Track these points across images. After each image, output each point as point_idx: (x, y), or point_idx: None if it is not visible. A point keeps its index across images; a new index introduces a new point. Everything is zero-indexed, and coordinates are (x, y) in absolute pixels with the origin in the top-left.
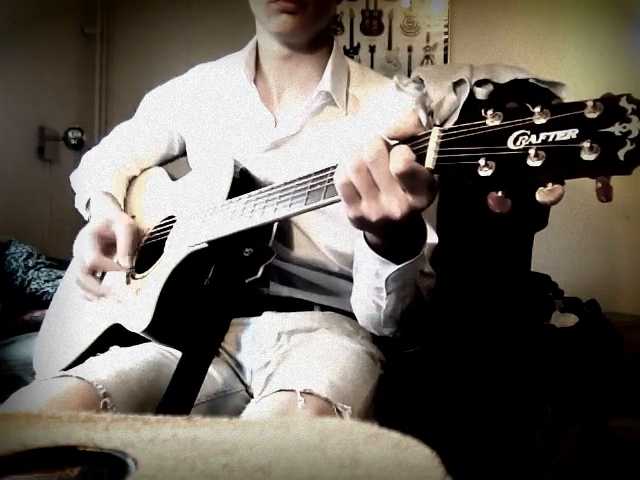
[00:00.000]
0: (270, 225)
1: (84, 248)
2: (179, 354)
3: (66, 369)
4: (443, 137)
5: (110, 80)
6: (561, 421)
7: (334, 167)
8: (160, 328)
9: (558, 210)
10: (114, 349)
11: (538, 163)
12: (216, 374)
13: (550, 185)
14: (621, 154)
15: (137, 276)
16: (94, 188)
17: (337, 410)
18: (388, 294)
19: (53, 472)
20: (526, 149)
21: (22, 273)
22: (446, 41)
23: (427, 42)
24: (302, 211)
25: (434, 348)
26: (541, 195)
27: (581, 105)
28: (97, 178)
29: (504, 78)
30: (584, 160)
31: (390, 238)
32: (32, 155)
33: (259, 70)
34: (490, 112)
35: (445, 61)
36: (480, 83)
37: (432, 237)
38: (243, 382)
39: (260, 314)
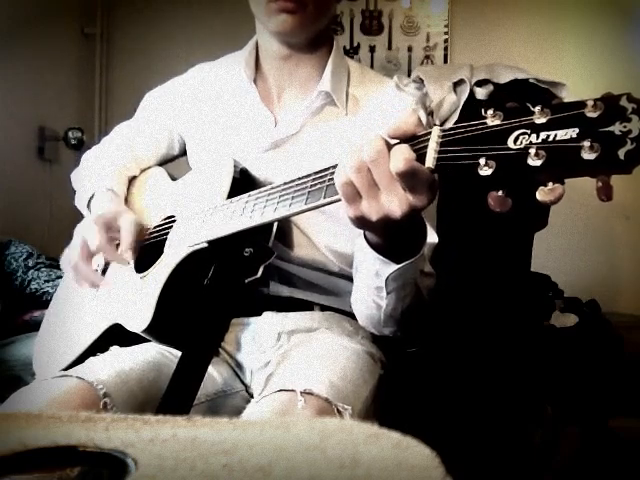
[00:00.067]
0: (270, 225)
1: (89, 232)
2: (179, 354)
3: (66, 369)
4: (443, 137)
5: (110, 80)
6: (561, 421)
7: (334, 167)
8: (160, 328)
9: (558, 210)
10: (114, 349)
11: (538, 162)
12: (216, 374)
13: (550, 184)
14: (621, 153)
15: (137, 275)
16: (95, 188)
17: (337, 410)
18: (388, 294)
19: (53, 472)
20: (526, 148)
21: (22, 273)
22: (446, 41)
23: (427, 42)
24: (302, 211)
25: (434, 348)
26: (541, 194)
27: (581, 104)
28: (97, 178)
29: (504, 78)
30: (584, 159)
31: (390, 237)
32: (32, 155)
33: (259, 70)
34: (490, 112)
35: (445, 61)
36: (480, 83)
37: (432, 237)
38: (243, 382)
39: (260, 314)
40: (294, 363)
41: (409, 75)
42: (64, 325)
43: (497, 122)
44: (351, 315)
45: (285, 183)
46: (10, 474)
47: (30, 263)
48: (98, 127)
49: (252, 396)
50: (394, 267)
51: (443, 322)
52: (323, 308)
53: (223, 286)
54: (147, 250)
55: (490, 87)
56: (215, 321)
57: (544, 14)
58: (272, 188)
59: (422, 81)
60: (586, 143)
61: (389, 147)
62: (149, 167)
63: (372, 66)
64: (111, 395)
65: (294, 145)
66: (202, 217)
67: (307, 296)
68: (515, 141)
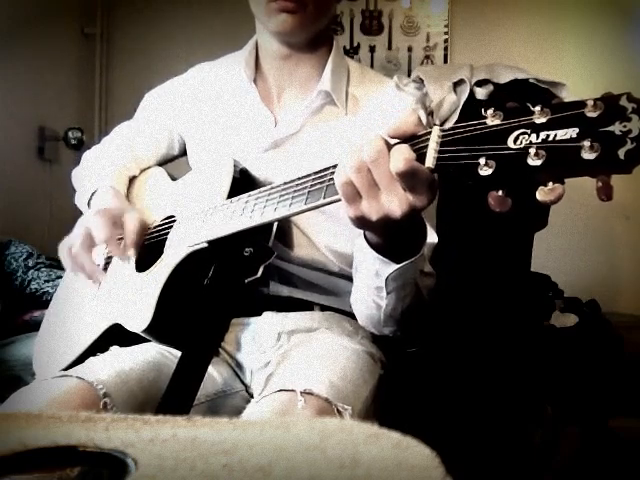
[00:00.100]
0: (270, 225)
1: (94, 224)
2: (179, 354)
3: (66, 369)
4: (443, 136)
5: (110, 80)
6: (561, 421)
7: (334, 167)
8: (160, 328)
9: (558, 210)
10: (114, 349)
11: (538, 162)
12: (216, 374)
13: (550, 184)
14: (621, 153)
15: (137, 275)
16: (96, 186)
17: (337, 410)
18: (388, 293)
19: (53, 472)
20: (526, 148)
21: (22, 273)
22: (446, 41)
23: (427, 42)
24: (302, 211)
25: (434, 348)
26: (541, 194)
27: (581, 104)
28: (97, 178)
29: (504, 78)
30: (584, 159)
31: (390, 237)
32: (32, 155)
33: (259, 70)
34: (490, 111)
35: (445, 61)
36: (480, 83)
37: (432, 236)
38: (243, 382)
39: (260, 314)
40: (294, 363)
41: (409, 75)
42: (64, 325)
43: (497, 122)
44: (351, 315)
45: (285, 183)
46: (10, 474)
47: (30, 263)
48: (98, 127)
49: (252, 396)
50: (394, 267)
51: (443, 322)
52: (323, 308)
53: (223, 286)
54: (147, 250)
55: (490, 87)
56: (215, 321)
57: (544, 14)
58: (272, 188)
59: (422, 81)
60: (586, 143)
61: (389, 147)
62: (149, 167)
63: (372, 66)
64: (111, 395)
65: (294, 145)
66: (202, 217)
67: (307, 296)
68: (515, 141)
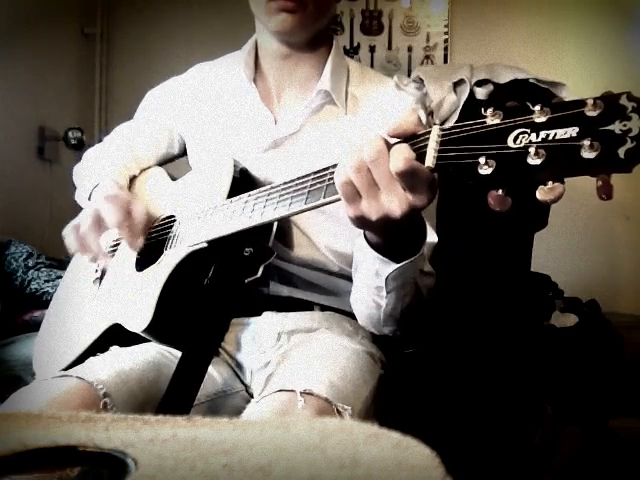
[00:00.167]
0: (270, 225)
1: (104, 208)
2: (179, 354)
3: (66, 369)
4: (443, 136)
5: (110, 80)
6: (561, 421)
7: (334, 166)
8: (160, 328)
9: (558, 210)
10: (114, 349)
11: (538, 161)
12: (216, 374)
13: (550, 183)
14: (621, 152)
15: (137, 275)
16: (96, 182)
17: (337, 410)
18: (388, 293)
19: (53, 472)
20: (526, 147)
21: (22, 273)
22: (446, 41)
23: (427, 42)
24: (302, 210)
25: (434, 348)
26: (541, 193)
27: (581, 103)
28: (98, 178)
29: (504, 78)
30: (584, 158)
31: (390, 237)
32: (32, 155)
33: (259, 69)
34: (490, 111)
35: (445, 61)
36: (480, 83)
37: (432, 236)
38: (243, 382)
39: (260, 314)
40: (294, 363)
41: (409, 75)
42: (64, 325)
43: (497, 121)
44: (351, 315)
45: (285, 183)
46: (10, 474)
47: (30, 263)
48: (98, 127)
49: (252, 396)
50: (394, 266)
51: (443, 322)
52: (323, 308)
53: (223, 286)
54: (147, 250)
55: (490, 87)
56: (215, 321)
57: (544, 14)
58: (272, 188)
59: (422, 81)
60: (586, 142)
61: (389, 147)
62: (149, 167)
63: (372, 66)
64: (111, 395)
65: (294, 144)
66: (202, 217)
67: (307, 296)
68: (515, 140)
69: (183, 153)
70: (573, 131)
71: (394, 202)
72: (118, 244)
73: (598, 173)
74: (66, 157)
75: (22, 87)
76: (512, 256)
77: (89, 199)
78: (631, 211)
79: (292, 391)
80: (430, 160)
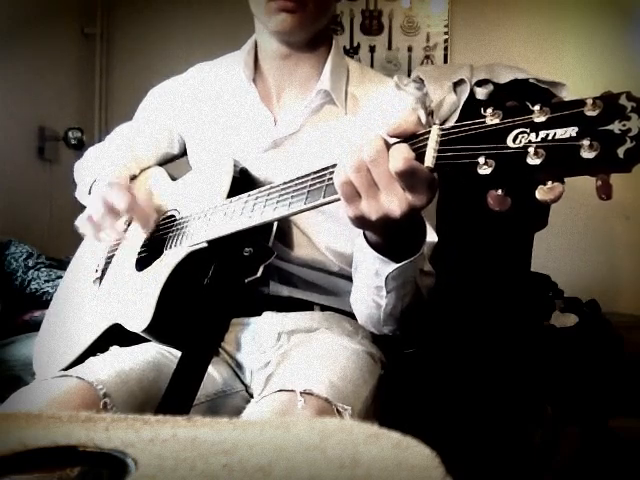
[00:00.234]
0: (270, 224)
1: (112, 194)
2: (179, 354)
3: (66, 369)
4: (443, 136)
5: (110, 80)
6: (561, 421)
7: (333, 166)
8: (160, 328)
9: (558, 210)
10: (114, 349)
11: (538, 161)
12: (216, 374)
13: (550, 183)
14: (621, 152)
15: (137, 275)
16: (96, 178)
17: (337, 410)
18: (388, 293)
19: (53, 472)
20: (526, 147)
21: (22, 273)
22: (446, 41)
23: (427, 42)
24: (301, 210)
25: (434, 348)
26: (541, 193)
27: (581, 103)
28: (98, 178)
29: (504, 78)
30: (584, 158)
31: (390, 237)
32: (32, 155)
33: (258, 70)
34: (490, 110)
35: (445, 61)
36: (480, 83)
37: (432, 236)
38: (243, 382)
39: (260, 314)
40: (294, 363)
41: (409, 75)
42: (64, 325)
43: (496, 121)
44: (351, 315)
45: (285, 183)
46: (10, 474)
47: (30, 263)
48: (98, 127)
49: (252, 396)
50: (394, 266)
51: (443, 322)
52: (323, 308)
53: (223, 286)
54: (147, 249)
55: (490, 87)
56: (215, 321)
57: (544, 14)
58: (272, 188)
59: (422, 81)
60: (585, 142)
61: (388, 146)
62: (149, 167)
63: (372, 66)
64: (111, 395)
65: (294, 144)
66: (202, 217)
67: (307, 296)
68: (514, 140)
69: (183, 153)
70: (573, 131)
71: (394, 202)
72: (118, 244)
73: (598, 173)
74: (66, 157)
75: (22, 87)
76: (512, 256)
77: (89, 194)
78: (631, 211)
79: (292, 391)
80: (430, 160)
